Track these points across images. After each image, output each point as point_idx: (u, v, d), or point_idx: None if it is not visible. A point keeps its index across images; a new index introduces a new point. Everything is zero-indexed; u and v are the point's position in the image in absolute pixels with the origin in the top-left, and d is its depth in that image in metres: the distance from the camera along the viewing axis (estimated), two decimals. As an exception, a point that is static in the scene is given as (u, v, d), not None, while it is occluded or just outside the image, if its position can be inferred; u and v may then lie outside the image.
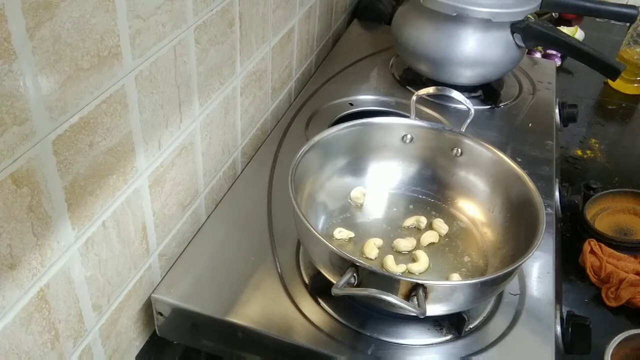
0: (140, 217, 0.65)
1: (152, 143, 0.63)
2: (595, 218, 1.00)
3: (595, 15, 1.35)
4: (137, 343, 0.72)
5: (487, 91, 1.11)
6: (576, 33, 1.52)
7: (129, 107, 0.57)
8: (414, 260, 0.73)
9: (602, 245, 0.92)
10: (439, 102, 1.06)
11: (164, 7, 0.59)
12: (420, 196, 0.83)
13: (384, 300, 0.56)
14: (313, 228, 0.62)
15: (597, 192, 1.03)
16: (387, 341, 0.66)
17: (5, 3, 0.40)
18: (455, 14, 0.99)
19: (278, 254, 0.74)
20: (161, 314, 0.69)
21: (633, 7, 1.06)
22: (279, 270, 0.72)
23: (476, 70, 1.05)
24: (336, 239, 0.75)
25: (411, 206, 0.82)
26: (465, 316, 0.66)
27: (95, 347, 0.63)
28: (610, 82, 1.41)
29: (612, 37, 1.60)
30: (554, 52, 1.43)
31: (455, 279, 0.70)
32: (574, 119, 1.16)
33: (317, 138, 0.75)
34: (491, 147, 0.77)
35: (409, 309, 0.56)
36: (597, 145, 1.21)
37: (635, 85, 1.39)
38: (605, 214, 1.01)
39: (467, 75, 1.06)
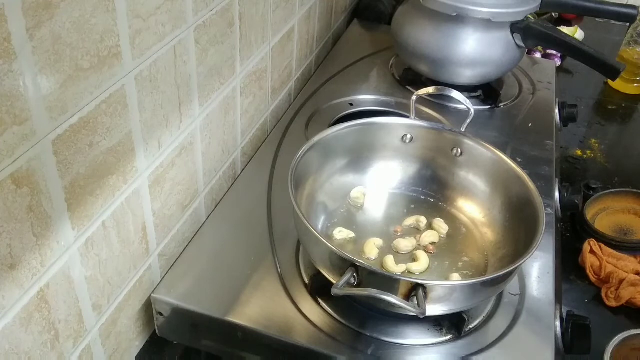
0: (140, 217, 0.65)
1: (152, 143, 0.63)
2: (595, 218, 1.00)
3: (595, 15, 1.35)
4: (137, 343, 0.72)
5: (487, 91, 1.11)
6: (576, 33, 1.52)
7: (129, 107, 0.57)
8: (414, 260, 0.73)
9: (602, 245, 0.92)
10: (439, 102, 1.06)
11: (164, 7, 0.59)
12: (420, 196, 0.83)
13: (384, 300, 0.56)
14: (313, 228, 0.62)
15: (597, 192, 1.03)
16: (387, 341, 0.66)
17: (5, 3, 0.40)
18: (455, 14, 0.99)
19: (278, 254, 0.74)
20: (161, 314, 0.69)
21: (633, 7, 1.06)
22: (279, 270, 0.72)
23: (476, 70, 1.05)
24: (336, 239, 0.75)
25: (412, 206, 0.82)
26: (465, 316, 0.66)
27: (95, 347, 0.63)
28: (610, 82, 1.40)
29: (612, 37, 1.60)
30: (554, 52, 1.43)
31: (455, 279, 0.70)
32: (574, 119, 1.16)
33: (317, 138, 0.75)
34: (491, 147, 0.77)
35: (409, 309, 0.56)
36: (597, 145, 1.21)
37: (635, 85, 1.39)
38: (605, 214, 1.01)
39: (467, 75, 1.06)
